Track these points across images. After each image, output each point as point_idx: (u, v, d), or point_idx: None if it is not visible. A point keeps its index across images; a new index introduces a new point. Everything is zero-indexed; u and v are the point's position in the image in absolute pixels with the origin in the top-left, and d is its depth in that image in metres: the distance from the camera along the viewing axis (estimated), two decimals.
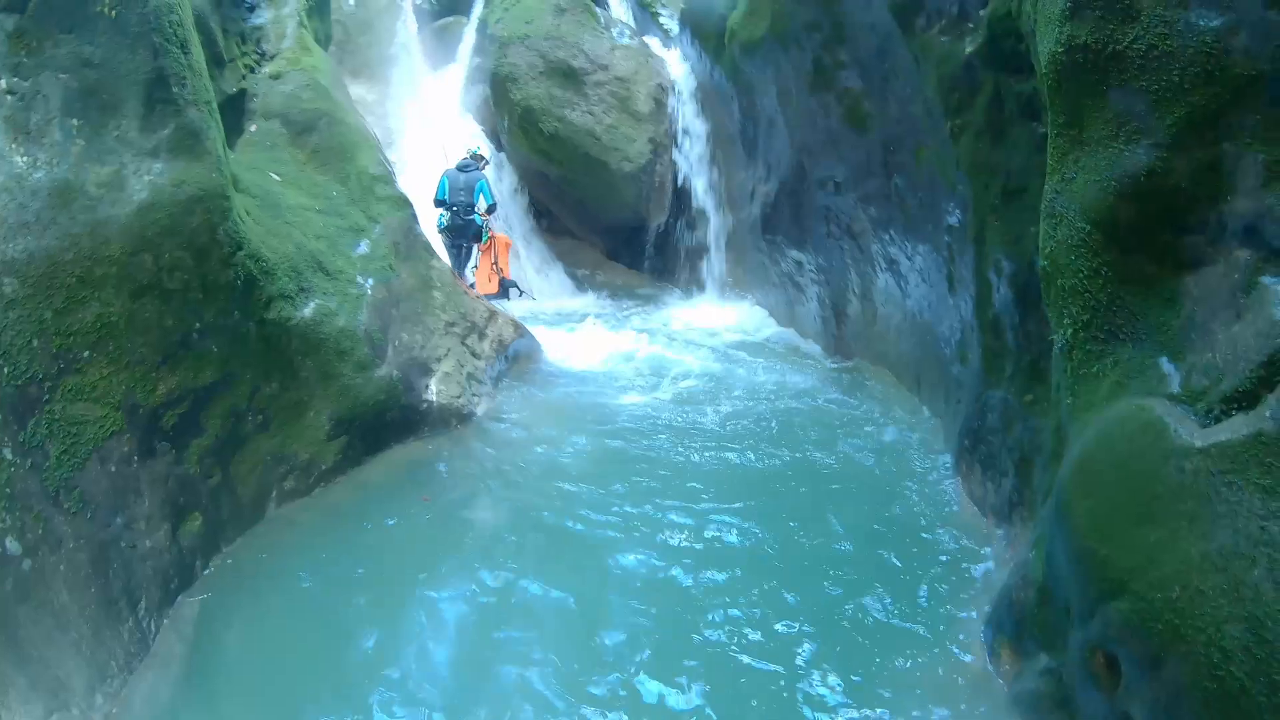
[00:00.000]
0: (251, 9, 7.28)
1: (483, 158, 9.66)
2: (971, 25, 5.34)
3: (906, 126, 6.64)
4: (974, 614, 4.43)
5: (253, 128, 6.88)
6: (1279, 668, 2.24)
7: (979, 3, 5.20)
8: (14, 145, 4.32)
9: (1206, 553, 2.49)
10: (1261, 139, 2.85)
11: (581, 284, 11.82)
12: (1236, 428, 2.56)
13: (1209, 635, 2.40)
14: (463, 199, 9.22)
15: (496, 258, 9.50)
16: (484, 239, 9.40)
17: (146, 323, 4.55)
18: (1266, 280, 2.80)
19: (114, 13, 4.53)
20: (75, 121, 4.49)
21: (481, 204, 9.28)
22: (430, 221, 8.71)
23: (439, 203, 9.27)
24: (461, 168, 9.32)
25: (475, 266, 9.54)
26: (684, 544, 5.20)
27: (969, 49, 5.28)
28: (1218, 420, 2.68)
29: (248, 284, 5.08)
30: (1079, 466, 3.18)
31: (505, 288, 9.56)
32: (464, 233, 9.32)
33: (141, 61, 4.62)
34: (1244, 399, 2.64)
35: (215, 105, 5.32)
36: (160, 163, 4.67)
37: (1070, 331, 3.57)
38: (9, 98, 4.36)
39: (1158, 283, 3.24)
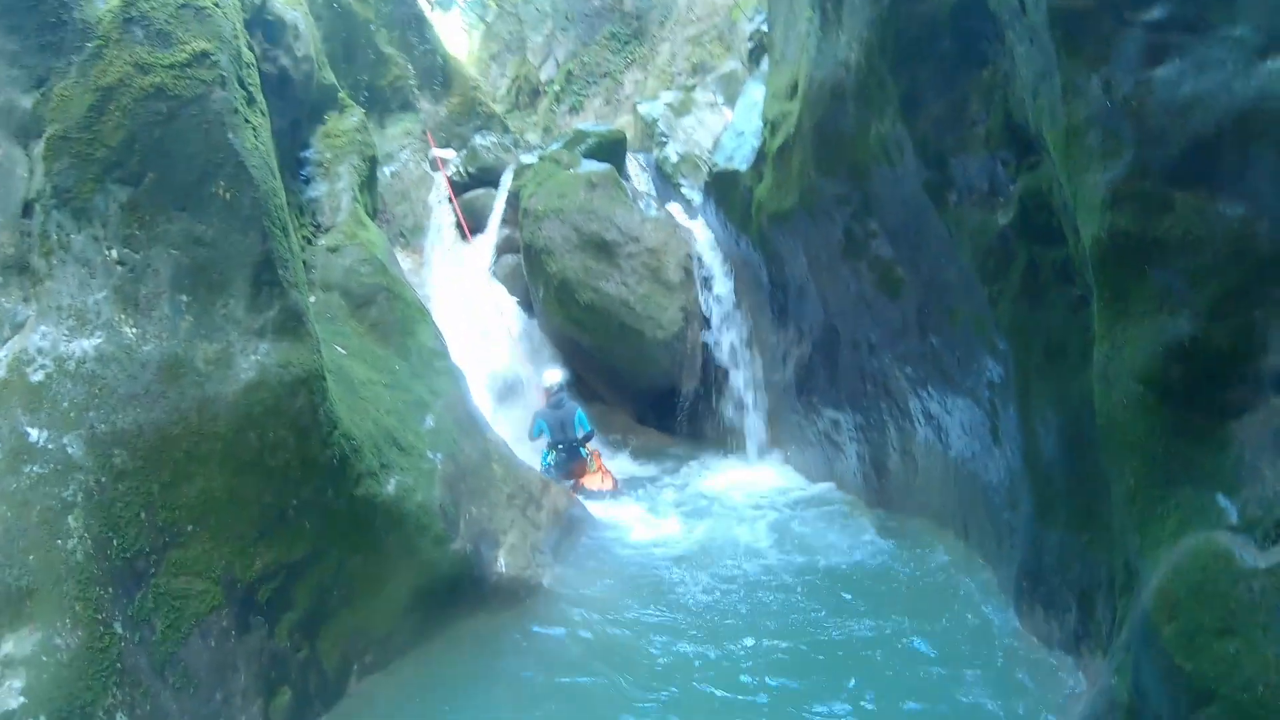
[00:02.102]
0: (308, 181, 7.72)
1: (568, 385, 10.35)
2: (1002, 200, 5.75)
3: (940, 290, 7.02)
4: None
5: (312, 299, 7.24)
6: None
7: (1008, 180, 5.63)
8: (123, 316, 4.52)
9: None
10: None
11: (615, 447, 12.02)
12: None
13: None
14: (569, 435, 9.86)
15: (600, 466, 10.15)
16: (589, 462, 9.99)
17: (247, 499, 4.73)
18: None
19: (228, 195, 4.82)
20: (185, 298, 4.72)
21: (581, 434, 9.85)
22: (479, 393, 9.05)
23: (542, 440, 9.87)
24: (555, 405, 9.90)
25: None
26: (747, 707, 5.23)
27: (1003, 221, 5.68)
28: (1274, 543, 3.13)
29: (341, 462, 5.30)
30: (1159, 595, 3.53)
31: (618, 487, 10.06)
32: (569, 465, 9.87)
33: (252, 244, 4.89)
34: None
35: (305, 285, 5.63)
36: (266, 343, 4.90)
37: (1132, 480, 3.93)
38: (119, 268, 4.58)
39: (1207, 431, 3.60)
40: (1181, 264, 3.57)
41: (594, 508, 9.04)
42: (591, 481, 9.96)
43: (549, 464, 9.76)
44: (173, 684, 4.11)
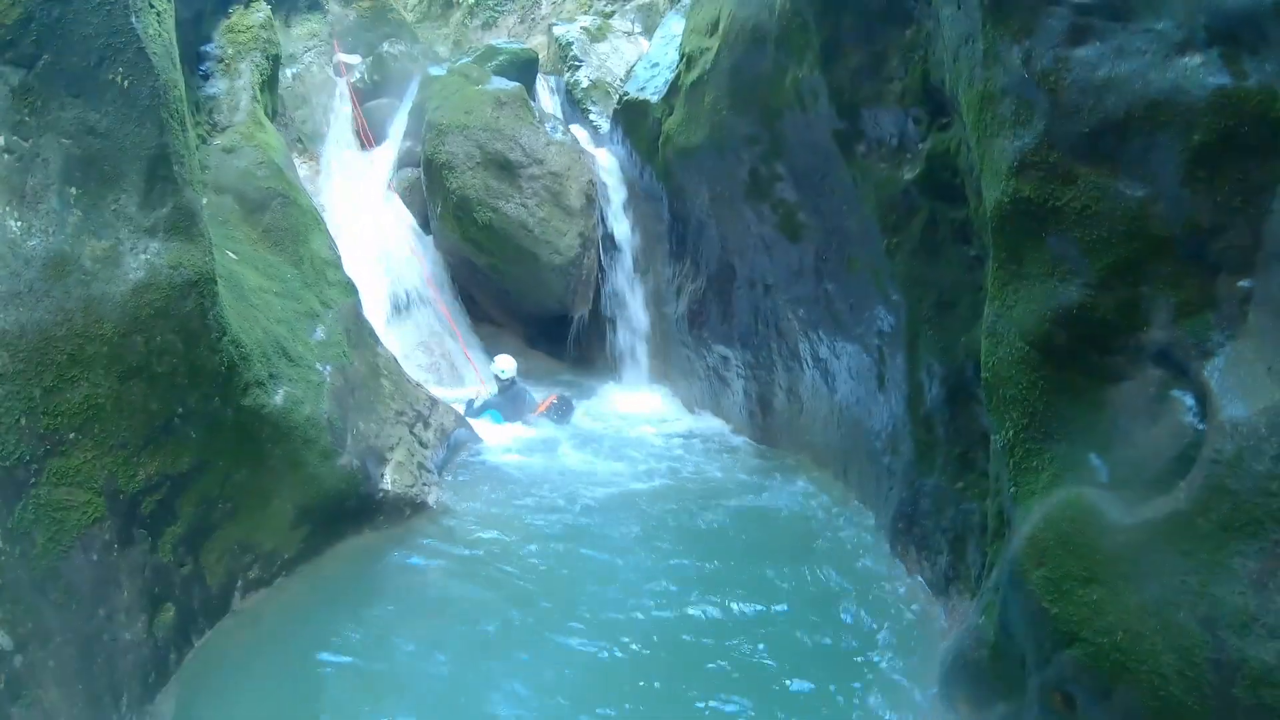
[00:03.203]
0: (206, 77, 7.30)
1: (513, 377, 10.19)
2: (910, 156, 5.90)
3: (839, 238, 7.19)
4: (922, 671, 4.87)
5: (204, 201, 6.91)
6: (1205, 684, 2.97)
7: (918, 137, 5.77)
8: (8, 209, 4.22)
9: (1142, 603, 3.22)
10: (1173, 285, 3.51)
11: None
12: (1158, 508, 3.30)
13: (1149, 666, 3.13)
14: (522, 414, 9.86)
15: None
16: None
17: (132, 406, 4.51)
18: (1175, 394, 3.49)
19: (126, 83, 4.49)
20: (74, 190, 4.42)
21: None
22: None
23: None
24: (508, 394, 9.89)
25: None
26: (626, 624, 5.43)
27: (908, 176, 5.84)
28: (1140, 503, 3.38)
29: (230, 370, 5.12)
30: (1029, 542, 3.79)
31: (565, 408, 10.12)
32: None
33: (148, 136, 4.57)
34: (1160, 485, 3.35)
35: (200, 184, 5.35)
36: (157, 242, 4.64)
37: (1011, 433, 4.18)
38: (6, 156, 4.27)
39: (1086, 393, 3.86)
40: (1078, 234, 3.76)
41: (478, 426, 9.08)
42: (544, 407, 10.04)
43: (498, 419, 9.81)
44: (54, 599, 3.94)
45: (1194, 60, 3.32)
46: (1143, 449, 3.52)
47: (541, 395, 10.41)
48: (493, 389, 10.28)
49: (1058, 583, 3.55)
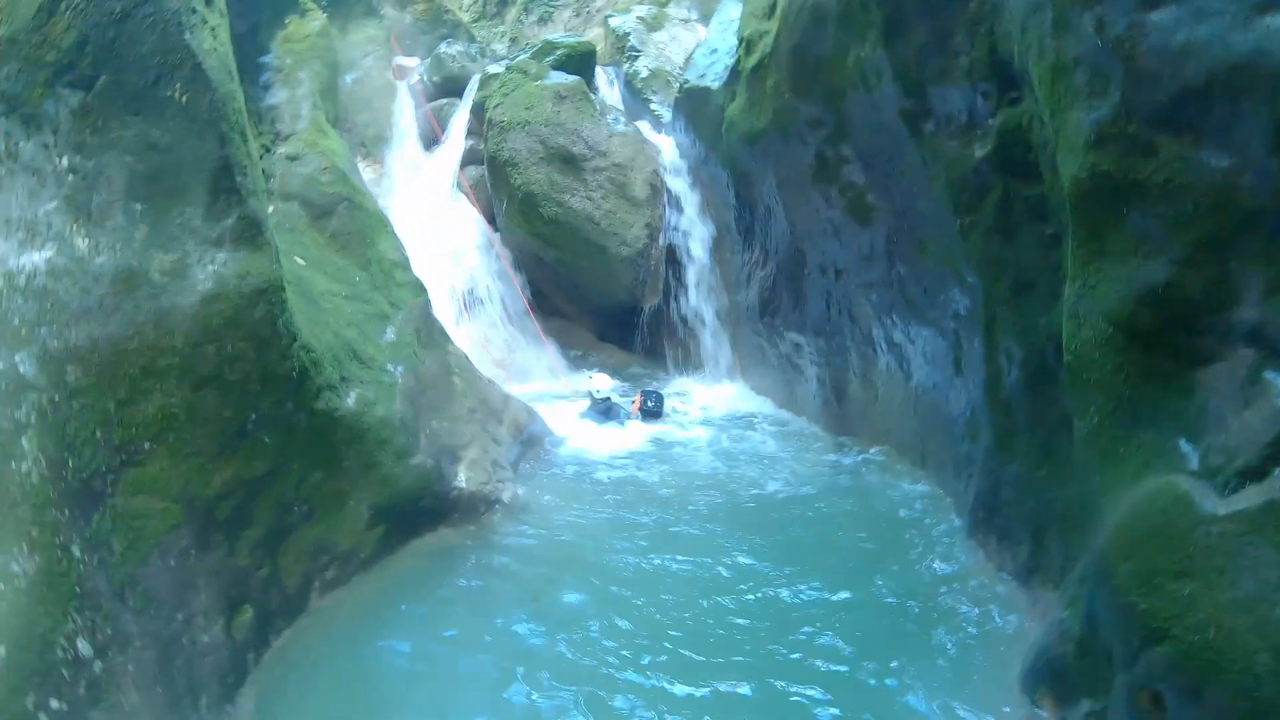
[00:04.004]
0: (267, 88, 7.46)
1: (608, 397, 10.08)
2: (980, 133, 5.68)
3: (910, 219, 6.99)
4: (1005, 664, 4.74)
5: (270, 209, 7.04)
6: None
7: (988, 113, 5.56)
8: (75, 227, 4.31)
9: (1235, 599, 3.06)
10: (1263, 260, 3.32)
11: (576, 364, 12.01)
12: (1252, 497, 3.14)
13: (1242, 665, 2.98)
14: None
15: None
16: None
17: (205, 414, 4.61)
18: (1269, 375, 3.31)
19: (184, 98, 4.55)
20: (139, 206, 4.50)
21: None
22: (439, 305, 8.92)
23: None
24: (603, 411, 9.69)
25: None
26: (706, 616, 5.39)
27: (979, 154, 5.63)
28: (1234, 491, 3.22)
29: (301, 375, 5.20)
30: (1117, 534, 3.68)
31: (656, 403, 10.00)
32: None
33: (209, 149, 4.64)
34: (1255, 473, 3.19)
35: (265, 193, 5.44)
36: (224, 253, 4.71)
37: (1096, 419, 4.04)
38: (71, 177, 4.35)
39: (1174, 377, 3.68)
40: (1161, 209, 3.57)
41: (552, 421, 9.08)
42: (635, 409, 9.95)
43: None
44: (133, 606, 4.05)
45: (1277, 20, 3.10)
46: (1235, 434, 3.33)
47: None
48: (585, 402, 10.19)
49: (1147, 577, 3.40)
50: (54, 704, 3.41)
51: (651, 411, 9.88)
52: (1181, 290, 3.53)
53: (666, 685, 4.74)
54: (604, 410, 9.70)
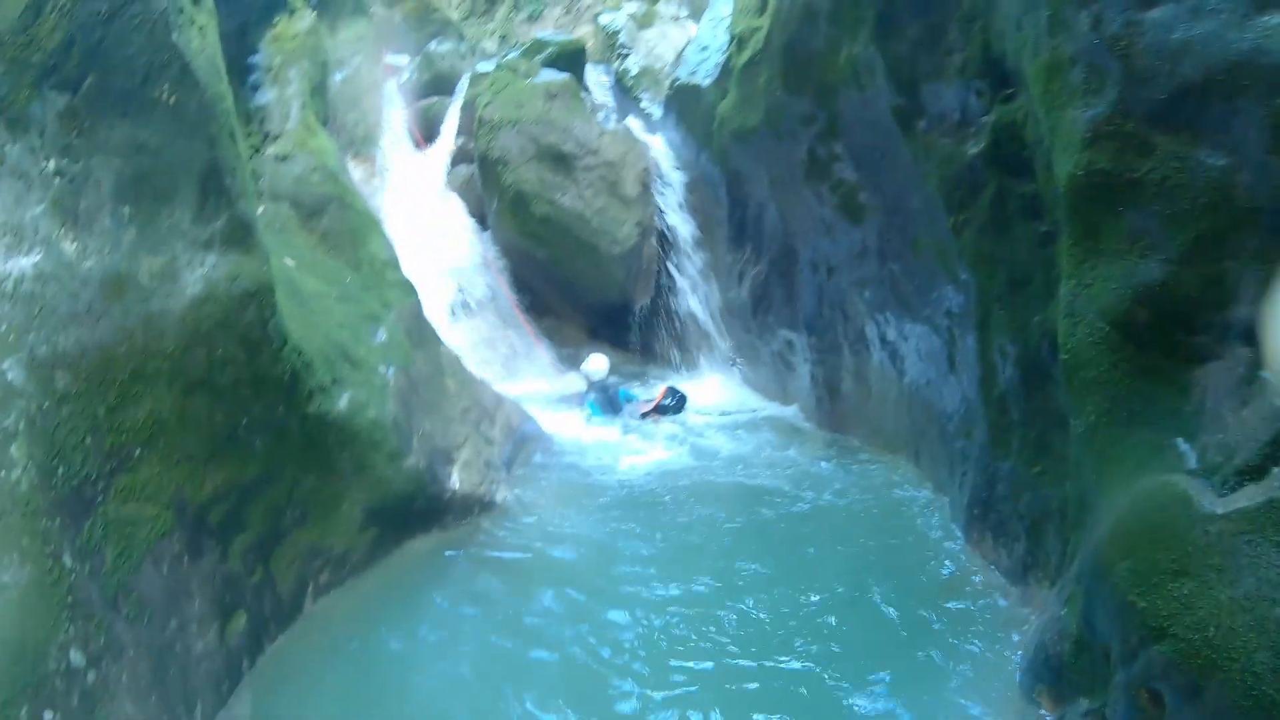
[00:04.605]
0: (255, 87, 7.37)
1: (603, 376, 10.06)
2: (974, 130, 5.69)
3: (902, 217, 6.99)
4: (1002, 662, 4.75)
5: (260, 210, 6.97)
6: None
7: (981, 110, 5.55)
8: (62, 231, 4.22)
9: (1234, 598, 3.01)
10: (1260, 258, 3.33)
11: (567, 362, 11.98)
12: (1252, 495, 3.10)
13: (1242, 664, 2.92)
14: (616, 409, 9.77)
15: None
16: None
17: (196, 419, 4.54)
18: (1266, 374, 3.31)
19: (172, 99, 4.47)
20: (128, 209, 4.41)
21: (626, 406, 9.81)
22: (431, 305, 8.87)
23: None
24: (601, 390, 9.72)
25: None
26: (701, 616, 5.34)
27: (973, 151, 5.62)
28: (1233, 490, 3.19)
29: (293, 378, 5.15)
30: (1114, 532, 3.64)
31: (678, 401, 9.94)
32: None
33: (198, 150, 4.57)
34: (1254, 472, 3.15)
35: (254, 195, 5.38)
36: (214, 255, 4.64)
37: (1093, 417, 4.02)
38: (58, 180, 4.26)
39: (1171, 375, 3.69)
40: (1157, 208, 3.58)
41: (543, 419, 9.05)
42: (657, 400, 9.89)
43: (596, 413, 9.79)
44: (126, 614, 3.99)
45: (1275, 19, 3.11)
46: (1233, 433, 3.33)
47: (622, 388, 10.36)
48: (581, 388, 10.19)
49: (1145, 575, 3.37)
50: (48, 716, 3.35)
51: (669, 409, 9.79)
52: (1178, 288, 3.54)
53: (665, 684, 4.72)
54: (606, 398, 9.70)
